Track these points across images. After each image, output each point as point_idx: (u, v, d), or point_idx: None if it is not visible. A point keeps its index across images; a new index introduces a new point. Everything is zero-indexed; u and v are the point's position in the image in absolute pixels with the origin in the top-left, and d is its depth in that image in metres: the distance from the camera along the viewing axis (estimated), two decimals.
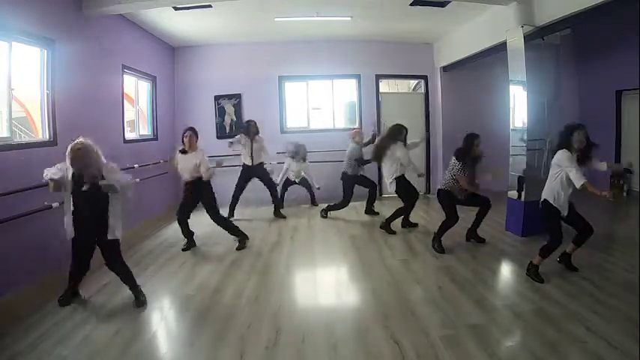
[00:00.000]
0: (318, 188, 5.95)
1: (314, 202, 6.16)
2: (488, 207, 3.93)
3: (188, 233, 4.17)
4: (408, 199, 4.47)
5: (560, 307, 2.54)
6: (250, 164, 5.26)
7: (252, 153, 5.22)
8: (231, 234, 4.16)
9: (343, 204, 5.18)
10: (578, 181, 2.82)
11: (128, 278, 2.87)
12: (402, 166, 4.35)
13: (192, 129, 3.99)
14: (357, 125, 6.63)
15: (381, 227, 4.53)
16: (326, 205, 5.42)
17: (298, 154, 5.77)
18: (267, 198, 5.53)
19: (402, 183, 4.40)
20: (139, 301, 2.81)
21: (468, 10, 5.01)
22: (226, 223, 4.19)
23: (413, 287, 3.00)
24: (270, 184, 5.46)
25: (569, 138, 2.92)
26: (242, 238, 4.16)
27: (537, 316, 2.45)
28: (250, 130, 5.20)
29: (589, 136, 2.94)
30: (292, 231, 4.79)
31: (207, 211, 4.04)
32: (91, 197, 2.59)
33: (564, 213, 3.00)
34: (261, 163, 5.36)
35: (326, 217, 5.33)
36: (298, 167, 5.83)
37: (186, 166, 3.95)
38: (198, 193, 3.99)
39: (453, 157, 3.80)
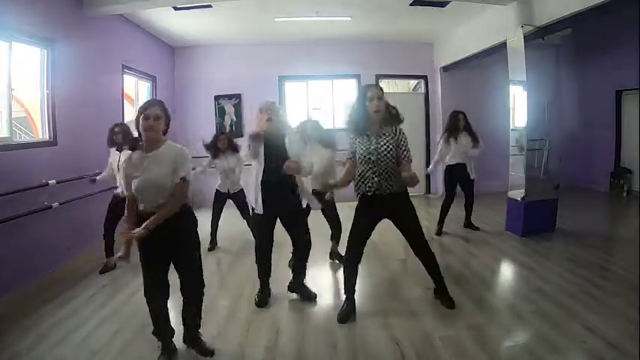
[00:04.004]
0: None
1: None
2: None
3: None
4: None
5: (560, 307, 2.54)
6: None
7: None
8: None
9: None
10: None
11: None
12: None
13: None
14: None
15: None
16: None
17: (208, 147, 4.06)
18: None
19: None
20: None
21: (467, 10, 5.01)
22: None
23: (413, 287, 2.99)
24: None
25: None
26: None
27: (537, 316, 2.45)
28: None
29: None
30: None
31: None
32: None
33: None
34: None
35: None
36: (226, 164, 4.03)
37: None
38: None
39: None
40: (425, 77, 6.96)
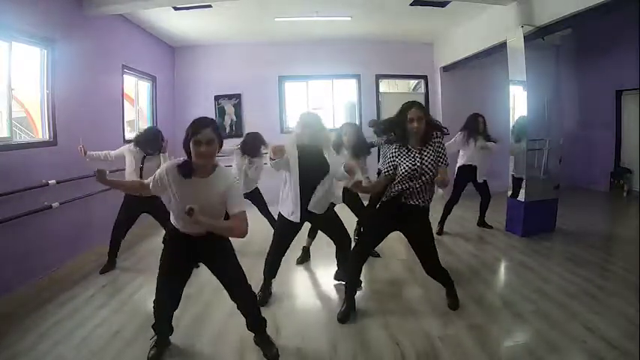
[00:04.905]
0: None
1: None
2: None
3: None
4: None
5: (560, 307, 2.54)
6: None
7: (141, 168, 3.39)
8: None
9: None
10: None
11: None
12: None
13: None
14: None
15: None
16: None
17: (247, 144, 3.92)
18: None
19: None
20: None
21: (468, 10, 5.01)
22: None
23: (413, 287, 2.99)
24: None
25: None
26: None
27: (537, 316, 2.45)
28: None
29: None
30: None
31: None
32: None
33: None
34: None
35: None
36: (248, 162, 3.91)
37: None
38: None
39: None
40: (425, 77, 6.96)
